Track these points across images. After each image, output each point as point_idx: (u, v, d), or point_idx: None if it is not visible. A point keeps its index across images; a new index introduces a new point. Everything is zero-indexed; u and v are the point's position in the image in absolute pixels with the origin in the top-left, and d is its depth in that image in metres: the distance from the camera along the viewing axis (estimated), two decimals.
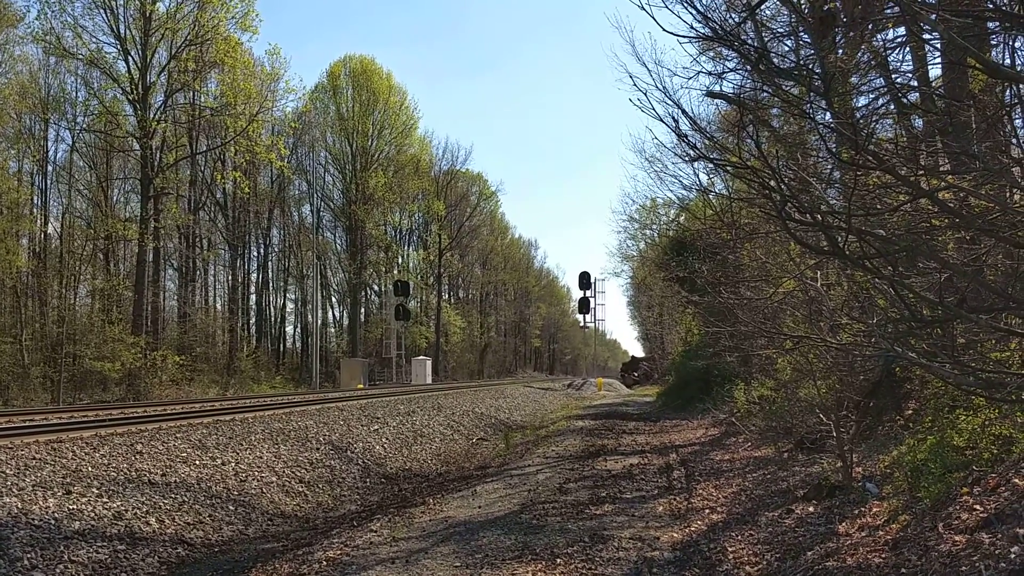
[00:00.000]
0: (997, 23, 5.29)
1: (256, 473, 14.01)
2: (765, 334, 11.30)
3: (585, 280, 77.86)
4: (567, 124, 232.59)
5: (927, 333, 5.86)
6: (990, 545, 5.37)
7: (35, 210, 43.90)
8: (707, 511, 9.84)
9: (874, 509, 7.63)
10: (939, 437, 7.84)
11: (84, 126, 43.80)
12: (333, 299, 74.04)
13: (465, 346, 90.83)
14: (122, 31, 39.32)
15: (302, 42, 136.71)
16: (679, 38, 5.62)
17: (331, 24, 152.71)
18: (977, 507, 6.08)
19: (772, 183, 5.06)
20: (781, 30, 10.27)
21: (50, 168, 45.13)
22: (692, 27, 5.87)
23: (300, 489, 14.23)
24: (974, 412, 7.76)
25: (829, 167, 8.22)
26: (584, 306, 79.25)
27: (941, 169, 6.22)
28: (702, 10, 6.06)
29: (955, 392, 8.24)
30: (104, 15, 38.90)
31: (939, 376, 6.60)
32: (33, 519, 9.37)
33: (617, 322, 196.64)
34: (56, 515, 9.67)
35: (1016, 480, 6.17)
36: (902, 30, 8.02)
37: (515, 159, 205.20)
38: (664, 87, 7.37)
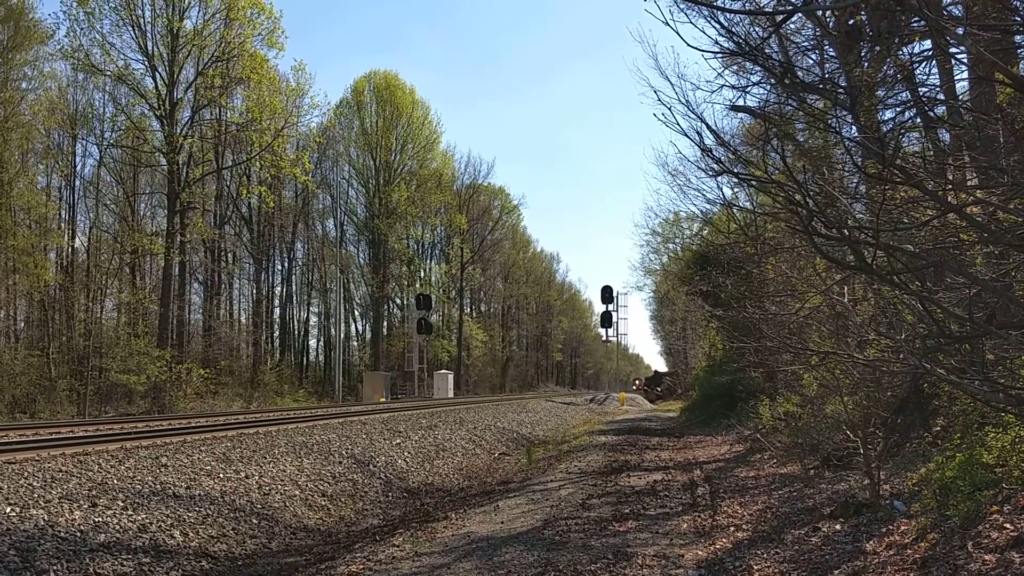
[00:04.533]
0: None
1: (279, 486, 14.05)
2: (791, 349, 11.22)
3: (607, 294, 77.68)
4: (589, 136, 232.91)
5: (956, 349, 5.79)
6: (1021, 564, 5.29)
7: (63, 224, 44.47)
8: (732, 528, 9.75)
9: (902, 527, 7.53)
10: (968, 454, 7.73)
11: (112, 141, 44.37)
12: (356, 312, 74.43)
13: (487, 360, 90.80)
14: (150, 48, 39.89)
15: (330, 62, 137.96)
16: (703, 53, 5.60)
17: (362, 48, 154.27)
18: (1007, 526, 5.99)
19: (798, 197, 5.04)
20: (806, 44, 10.24)
21: (78, 183, 45.71)
22: (716, 42, 5.87)
23: (323, 503, 14.26)
24: (1004, 429, 7.66)
25: (855, 181, 8.17)
26: (606, 320, 79.03)
27: (969, 183, 6.15)
28: (726, 25, 6.05)
29: (984, 409, 8.14)
30: (132, 32, 39.50)
31: (968, 393, 6.52)
32: (59, 531, 9.44)
33: (639, 336, 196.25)
34: (82, 527, 9.73)
35: None
36: (928, 43, 7.98)
37: (536, 170, 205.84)
38: (687, 101, 7.37)
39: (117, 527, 10.11)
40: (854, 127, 6.58)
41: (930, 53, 8.49)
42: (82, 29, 38.18)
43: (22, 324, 42.50)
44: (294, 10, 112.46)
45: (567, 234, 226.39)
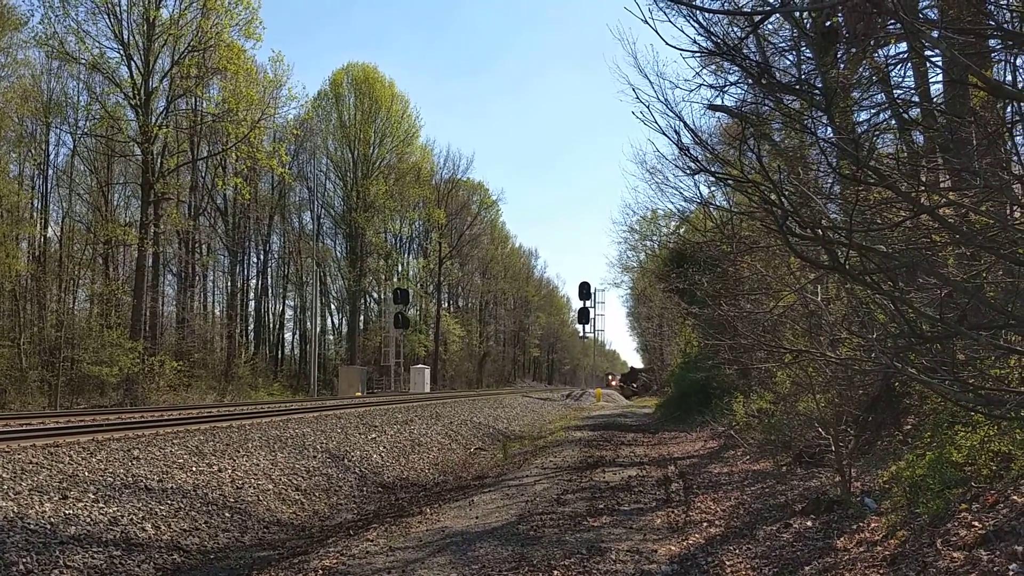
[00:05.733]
0: (998, 41, 5.31)
1: (253, 480, 13.98)
2: (765, 347, 11.30)
3: (585, 290, 77.98)
4: (569, 137, 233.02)
5: (927, 349, 5.85)
6: (988, 562, 5.36)
7: (35, 214, 43.89)
8: (705, 524, 9.81)
9: (872, 524, 7.61)
10: (938, 453, 7.83)
11: (86, 130, 43.82)
12: (332, 306, 74.05)
13: (464, 355, 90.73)
14: (125, 36, 39.33)
15: (300, 39, 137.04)
16: (682, 52, 5.64)
17: (328, 20, 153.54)
18: (975, 524, 6.07)
19: (773, 197, 5.07)
20: (783, 45, 10.29)
21: (51, 172, 45.18)
22: (695, 41, 5.89)
23: (296, 497, 14.20)
24: (973, 428, 7.75)
25: (830, 182, 8.24)
26: (584, 316, 79.33)
27: (942, 185, 6.23)
28: (705, 24, 6.08)
29: (954, 408, 8.23)
30: (107, 20, 38.91)
31: (938, 392, 6.60)
32: (29, 523, 9.34)
33: (616, 333, 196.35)
34: (52, 520, 9.64)
35: (1015, 497, 6.17)
36: (904, 46, 8.05)
37: (516, 170, 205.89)
38: (666, 99, 7.40)
39: (88, 520, 10.02)
40: (829, 128, 6.64)
41: (905, 56, 8.57)
42: (57, 16, 37.62)
43: None
44: (285, 11, 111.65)
45: (545, 231, 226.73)
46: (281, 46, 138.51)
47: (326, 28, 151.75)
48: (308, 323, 65.25)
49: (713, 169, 7.91)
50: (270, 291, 66.66)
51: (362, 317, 74.03)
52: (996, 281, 6.05)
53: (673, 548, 8.60)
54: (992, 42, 5.66)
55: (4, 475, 10.56)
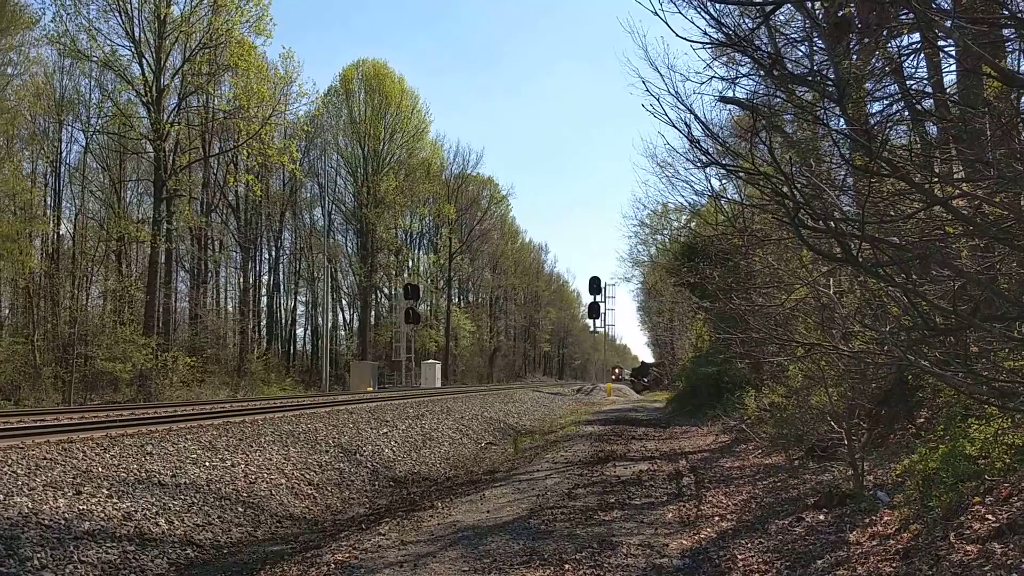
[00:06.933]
0: (1012, 30, 5.26)
1: (265, 475, 14.03)
2: (776, 341, 11.25)
3: (595, 285, 77.75)
4: (577, 130, 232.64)
5: (940, 341, 5.82)
6: (1002, 555, 5.33)
7: (48, 211, 44.13)
8: (717, 518, 9.80)
9: (885, 518, 7.58)
10: (951, 446, 7.79)
11: (98, 128, 44.08)
12: (343, 302, 74.25)
13: (474, 350, 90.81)
14: (136, 34, 39.52)
15: (309, 36, 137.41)
16: (692, 44, 5.61)
17: (336, 17, 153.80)
18: (989, 517, 6.03)
19: (785, 189, 5.04)
20: (795, 35, 10.21)
21: (63, 169, 45.44)
22: (705, 32, 5.85)
23: (309, 491, 14.25)
24: (987, 421, 7.71)
25: (843, 173, 8.19)
26: (594, 311, 79.13)
27: (955, 176, 6.18)
28: (715, 15, 6.03)
29: (967, 401, 8.19)
30: (119, 18, 39.13)
31: (952, 385, 6.56)
32: (43, 519, 9.40)
33: (627, 327, 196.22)
34: (66, 515, 9.70)
35: None
36: (917, 36, 7.98)
37: (524, 164, 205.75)
38: (676, 92, 7.33)
39: (102, 515, 10.07)
40: (842, 119, 6.59)
41: (918, 46, 8.50)
42: (69, 14, 37.91)
43: (7, 311, 42.25)
44: (294, 8, 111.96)
45: (555, 226, 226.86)
46: (291, 42, 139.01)
47: (334, 25, 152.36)
48: (320, 319, 65.56)
49: (724, 162, 7.87)
50: (282, 287, 66.98)
51: (373, 312, 74.19)
52: (1010, 272, 6.00)
53: (684, 542, 8.59)
54: (1006, 31, 5.61)
55: (19, 471, 10.63)
